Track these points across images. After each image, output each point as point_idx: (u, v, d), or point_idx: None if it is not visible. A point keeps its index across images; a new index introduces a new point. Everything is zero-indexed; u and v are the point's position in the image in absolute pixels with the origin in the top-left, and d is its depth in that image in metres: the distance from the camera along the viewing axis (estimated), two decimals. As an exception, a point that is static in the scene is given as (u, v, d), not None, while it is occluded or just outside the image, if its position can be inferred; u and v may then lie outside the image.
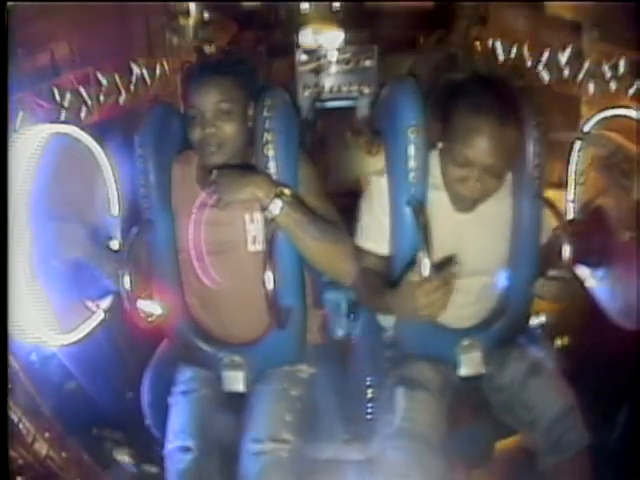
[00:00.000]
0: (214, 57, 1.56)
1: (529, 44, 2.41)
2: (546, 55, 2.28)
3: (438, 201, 1.49)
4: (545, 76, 2.24)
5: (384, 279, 1.48)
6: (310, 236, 1.42)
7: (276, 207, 1.38)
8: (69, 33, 1.76)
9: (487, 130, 1.35)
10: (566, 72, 2.22)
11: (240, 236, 1.52)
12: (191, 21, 3.23)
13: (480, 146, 1.35)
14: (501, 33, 2.61)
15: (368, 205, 1.54)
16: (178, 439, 1.47)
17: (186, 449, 1.44)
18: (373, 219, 1.52)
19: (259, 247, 1.49)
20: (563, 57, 2.20)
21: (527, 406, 1.51)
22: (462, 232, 1.50)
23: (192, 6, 3.26)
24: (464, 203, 1.46)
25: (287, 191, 1.40)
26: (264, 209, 1.40)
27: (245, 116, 1.50)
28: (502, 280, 1.56)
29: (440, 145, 1.47)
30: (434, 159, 1.48)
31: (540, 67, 2.25)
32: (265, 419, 1.48)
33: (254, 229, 1.50)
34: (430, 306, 1.23)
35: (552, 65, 2.25)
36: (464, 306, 1.55)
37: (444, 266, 1.32)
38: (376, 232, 1.52)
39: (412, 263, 1.32)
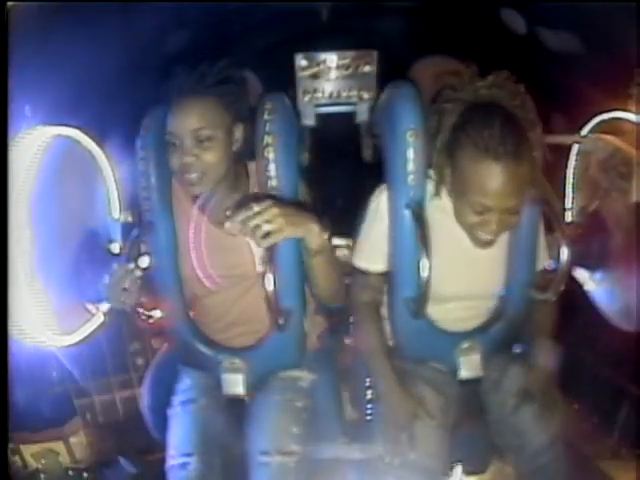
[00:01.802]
0: (197, 73, 1.43)
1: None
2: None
3: (456, 238, 1.45)
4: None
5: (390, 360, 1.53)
6: (334, 276, 1.45)
7: (320, 250, 1.35)
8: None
9: (501, 172, 1.26)
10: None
11: (248, 259, 1.51)
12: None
13: (497, 192, 1.28)
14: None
15: (371, 222, 1.54)
16: (179, 454, 1.46)
17: (187, 464, 1.44)
18: (378, 237, 1.53)
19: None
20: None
21: (516, 432, 1.52)
22: (475, 264, 1.50)
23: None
24: (485, 243, 1.41)
25: (327, 236, 1.36)
26: (309, 249, 1.35)
27: (229, 139, 1.42)
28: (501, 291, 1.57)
29: (452, 192, 1.41)
30: (445, 199, 1.44)
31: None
32: (272, 431, 1.48)
33: (260, 251, 1.47)
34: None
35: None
36: (466, 319, 1.57)
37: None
38: (375, 251, 1.53)
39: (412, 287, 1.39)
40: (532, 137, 1.34)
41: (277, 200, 1.28)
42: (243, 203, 1.27)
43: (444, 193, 1.45)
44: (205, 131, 1.36)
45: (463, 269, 1.50)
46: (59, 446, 1.73)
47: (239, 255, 1.51)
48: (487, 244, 1.41)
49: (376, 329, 1.57)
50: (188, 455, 1.45)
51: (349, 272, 1.61)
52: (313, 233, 1.31)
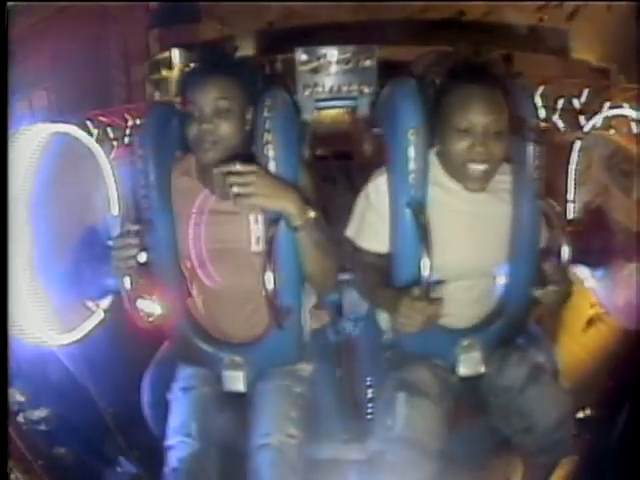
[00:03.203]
0: (218, 54, 1.55)
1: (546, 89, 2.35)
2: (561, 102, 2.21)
3: (442, 195, 1.48)
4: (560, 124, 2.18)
5: (385, 277, 1.52)
6: (320, 255, 1.45)
7: (301, 226, 1.39)
8: (47, 82, 1.73)
9: (479, 93, 1.40)
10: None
11: (244, 235, 1.51)
12: (174, 73, 3.08)
13: (478, 109, 1.39)
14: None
15: (366, 204, 1.54)
16: (177, 436, 1.47)
17: (185, 446, 1.45)
18: (371, 219, 1.53)
19: (261, 248, 1.47)
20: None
21: (523, 413, 1.51)
22: (466, 228, 1.50)
23: (176, 57, 3.13)
24: (477, 180, 1.44)
25: (313, 214, 1.40)
26: (290, 224, 1.39)
27: (243, 117, 1.49)
28: (502, 281, 1.56)
29: (437, 143, 1.47)
30: (433, 158, 1.49)
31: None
32: (271, 415, 1.49)
33: (258, 230, 1.50)
34: (420, 322, 1.38)
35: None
36: (468, 304, 1.56)
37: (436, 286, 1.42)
38: (374, 232, 1.54)
39: (414, 283, 1.41)
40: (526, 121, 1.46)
41: (265, 171, 1.37)
42: (237, 158, 1.37)
43: (436, 167, 1.48)
44: (224, 102, 1.45)
45: (461, 246, 1.49)
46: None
47: (235, 230, 1.51)
48: (478, 183, 1.45)
49: (377, 271, 1.56)
50: (186, 436, 1.46)
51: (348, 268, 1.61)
52: (290, 211, 1.37)
